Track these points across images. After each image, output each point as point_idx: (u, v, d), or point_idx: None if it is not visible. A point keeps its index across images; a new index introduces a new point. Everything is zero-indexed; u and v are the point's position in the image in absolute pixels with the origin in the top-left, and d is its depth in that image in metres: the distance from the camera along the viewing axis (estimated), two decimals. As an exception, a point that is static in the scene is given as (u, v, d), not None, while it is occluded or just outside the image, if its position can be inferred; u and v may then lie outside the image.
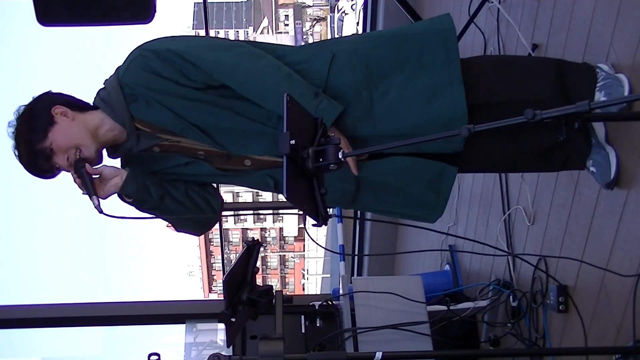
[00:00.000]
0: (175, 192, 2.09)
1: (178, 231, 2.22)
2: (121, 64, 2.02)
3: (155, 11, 2.62)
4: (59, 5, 2.63)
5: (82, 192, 2.00)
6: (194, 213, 2.13)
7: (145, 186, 2.03)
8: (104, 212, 1.97)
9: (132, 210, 2.08)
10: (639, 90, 2.05)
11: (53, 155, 1.99)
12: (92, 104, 2.06)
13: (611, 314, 2.27)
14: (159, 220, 2.17)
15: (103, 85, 2.04)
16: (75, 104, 2.04)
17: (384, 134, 1.98)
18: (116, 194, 2.04)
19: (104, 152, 2.10)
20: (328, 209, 1.69)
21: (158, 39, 2.04)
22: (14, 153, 2.01)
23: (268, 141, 2.00)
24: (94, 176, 2.00)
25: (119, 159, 2.12)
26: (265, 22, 45.75)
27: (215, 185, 2.25)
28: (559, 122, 1.56)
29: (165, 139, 2.03)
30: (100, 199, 1.98)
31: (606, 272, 2.26)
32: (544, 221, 2.80)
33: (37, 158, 1.99)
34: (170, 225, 2.25)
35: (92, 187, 1.98)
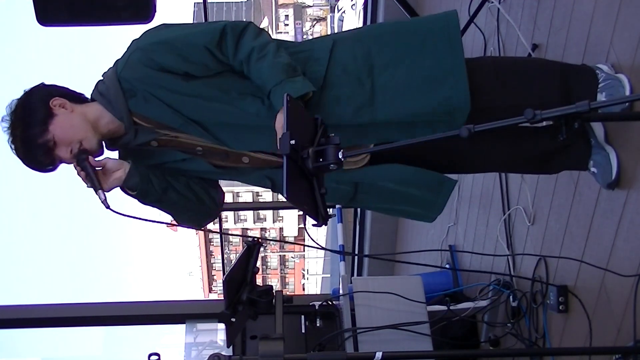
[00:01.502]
0: (177, 185, 2.07)
1: (179, 224, 2.20)
2: (120, 57, 2.00)
3: (155, 11, 2.62)
4: (59, 5, 2.63)
5: (86, 185, 1.96)
6: (195, 205, 2.11)
7: (148, 178, 2.01)
8: (111, 207, 1.94)
9: (138, 209, 2.08)
10: (639, 90, 2.05)
11: (55, 149, 1.96)
12: (89, 97, 2.03)
13: (611, 314, 2.27)
14: (160, 219, 2.16)
15: (102, 78, 2.01)
16: (71, 96, 2.02)
17: (385, 121, 1.97)
18: (119, 187, 2.01)
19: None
20: (328, 209, 1.69)
21: (154, 29, 2.03)
22: (11, 147, 1.97)
23: (267, 137, 1.96)
24: (97, 168, 1.97)
25: (116, 151, 2.10)
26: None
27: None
28: (559, 123, 1.56)
29: (163, 133, 2.01)
30: (106, 193, 1.95)
31: (606, 272, 2.26)
32: (544, 221, 2.80)
33: (37, 152, 1.95)
34: (170, 225, 2.24)
35: (97, 180, 1.94)
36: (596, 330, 2.38)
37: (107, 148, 2.07)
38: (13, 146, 1.96)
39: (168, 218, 2.21)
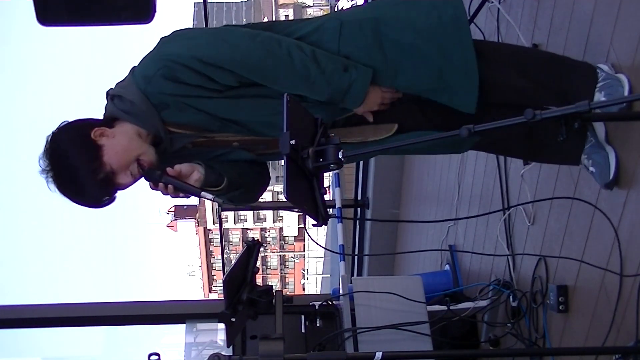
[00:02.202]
0: (237, 167, 2.03)
1: (243, 202, 2.16)
2: (139, 69, 1.94)
3: (155, 11, 2.62)
4: (59, 5, 2.63)
5: (180, 196, 1.93)
6: (260, 180, 2.12)
7: (219, 172, 1.97)
8: (223, 204, 1.94)
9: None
10: (639, 90, 2.05)
11: (115, 178, 1.90)
12: (112, 116, 1.96)
13: (611, 314, 2.27)
14: (160, 220, 2.15)
15: (118, 95, 1.94)
16: (101, 122, 1.95)
17: (406, 86, 2.01)
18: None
19: None
20: (328, 209, 1.69)
21: (175, 41, 1.95)
22: (64, 196, 1.90)
23: None
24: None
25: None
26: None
27: None
28: (559, 122, 1.56)
29: (200, 136, 1.99)
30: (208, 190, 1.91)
31: (606, 272, 2.26)
32: (544, 221, 2.80)
33: (95, 189, 1.89)
34: (170, 225, 2.24)
35: (189, 185, 1.89)
36: (596, 330, 2.38)
37: None
38: (66, 194, 1.90)
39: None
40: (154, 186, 1.92)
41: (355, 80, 1.93)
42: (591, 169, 2.21)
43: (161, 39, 1.99)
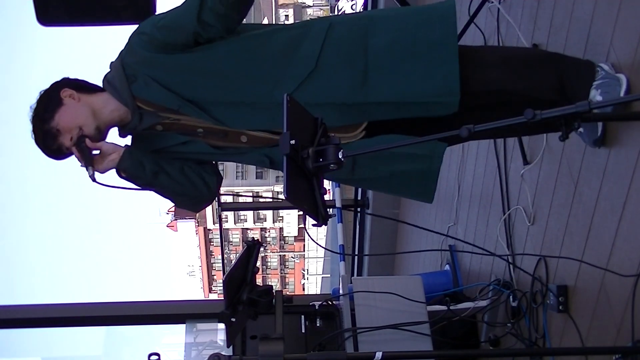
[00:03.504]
0: (170, 170, 2.18)
1: (178, 207, 2.36)
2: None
3: (155, 11, 2.62)
4: (59, 5, 2.63)
5: (80, 164, 2.12)
6: (187, 189, 2.22)
7: (140, 163, 2.14)
8: (97, 180, 2.11)
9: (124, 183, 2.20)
10: (638, 90, 2.05)
11: (59, 135, 2.11)
12: (101, 87, 2.16)
13: (611, 314, 2.27)
14: (159, 220, 2.22)
15: (111, 64, 2.13)
16: (83, 86, 2.16)
17: (377, 101, 2.03)
18: (114, 170, 2.15)
19: (116, 130, 2.19)
20: (328, 209, 1.69)
21: (152, 17, 2.16)
22: (31, 134, 2.13)
23: (266, 114, 2.06)
24: (94, 152, 2.13)
25: (129, 138, 2.21)
26: (265, 22, 45.70)
27: (214, 163, 2.32)
28: (559, 122, 1.56)
29: (166, 117, 2.12)
30: (96, 171, 2.11)
31: (606, 272, 2.26)
32: (544, 221, 2.80)
33: (45, 138, 2.12)
34: (170, 225, 2.28)
35: (89, 159, 2.10)
36: (596, 330, 2.38)
37: (119, 135, 2.19)
38: (32, 132, 2.13)
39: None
40: (75, 147, 2.12)
41: None
42: (580, 129, 2.21)
43: None
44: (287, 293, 3.05)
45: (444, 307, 2.88)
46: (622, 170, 2.16)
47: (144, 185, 2.19)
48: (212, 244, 38.27)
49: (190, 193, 2.23)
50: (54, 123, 2.10)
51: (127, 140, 2.21)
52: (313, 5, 43.07)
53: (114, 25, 2.74)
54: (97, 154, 2.13)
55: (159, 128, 2.15)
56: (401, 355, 2.21)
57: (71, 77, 2.19)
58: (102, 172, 2.14)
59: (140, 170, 2.14)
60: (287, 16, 44.44)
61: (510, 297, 3.03)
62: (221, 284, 2.29)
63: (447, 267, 4.09)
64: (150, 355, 2.23)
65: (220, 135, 2.13)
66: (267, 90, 2.04)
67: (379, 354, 2.01)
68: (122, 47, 2.12)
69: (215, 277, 38.61)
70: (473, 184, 3.78)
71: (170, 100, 2.08)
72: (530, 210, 2.95)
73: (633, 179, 2.11)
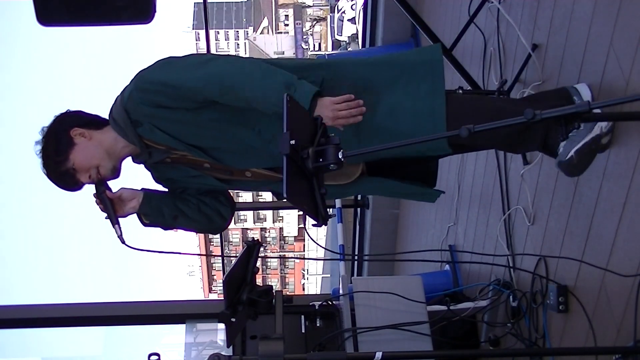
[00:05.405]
0: (187, 210, 2.25)
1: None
2: (126, 86, 2.13)
3: (155, 11, 2.62)
4: (59, 5, 2.62)
5: (104, 216, 2.16)
6: (205, 226, 2.31)
7: (158, 208, 2.21)
8: (126, 242, 2.16)
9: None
10: (639, 90, 2.05)
11: (76, 174, 2.16)
12: (107, 119, 2.18)
13: (611, 314, 2.27)
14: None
15: (114, 102, 2.16)
16: (91, 122, 2.18)
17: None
18: (136, 215, 2.21)
19: (129, 158, 2.23)
20: (328, 209, 1.69)
21: (152, 67, 2.12)
22: (43, 171, 2.17)
23: (265, 157, 2.14)
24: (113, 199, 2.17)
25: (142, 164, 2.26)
26: (265, 22, 45.72)
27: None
28: (559, 123, 1.56)
29: (174, 153, 2.18)
30: (122, 229, 2.16)
31: (606, 272, 2.26)
32: (544, 221, 2.80)
33: (63, 178, 2.16)
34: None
35: (113, 213, 2.15)
36: (596, 330, 2.38)
37: (133, 161, 2.24)
38: (45, 170, 2.16)
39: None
40: (95, 196, 2.17)
41: (303, 88, 1.97)
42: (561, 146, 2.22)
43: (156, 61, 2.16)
44: (287, 293, 3.05)
45: (444, 307, 2.89)
46: (622, 170, 2.16)
47: (165, 227, 2.26)
48: (212, 244, 38.26)
49: (207, 227, 2.32)
50: (69, 164, 2.14)
51: (141, 166, 2.25)
52: (313, 5, 43.08)
53: (114, 25, 2.74)
54: (116, 200, 2.17)
55: (168, 161, 2.21)
56: (401, 355, 2.21)
57: (72, 110, 2.21)
58: (124, 217, 2.18)
59: (160, 216, 2.21)
60: (287, 16, 44.43)
61: (510, 297, 3.03)
62: (221, 284, 2.30)
63: (447, 267, 4.09)
64: (150, 355, 2.23)
65: (226, 172, 2.22)
66: (268, 138, 2.09)
67: (379, 354, 2.01)
68: (125, 87, 2.12)
69: (215, 277, 38.63)
70: (473, 184, 3.78)
71: (176, 144, 2.14)
72: (530, 210, 2.95)
73: (633, 179, 2.11)
